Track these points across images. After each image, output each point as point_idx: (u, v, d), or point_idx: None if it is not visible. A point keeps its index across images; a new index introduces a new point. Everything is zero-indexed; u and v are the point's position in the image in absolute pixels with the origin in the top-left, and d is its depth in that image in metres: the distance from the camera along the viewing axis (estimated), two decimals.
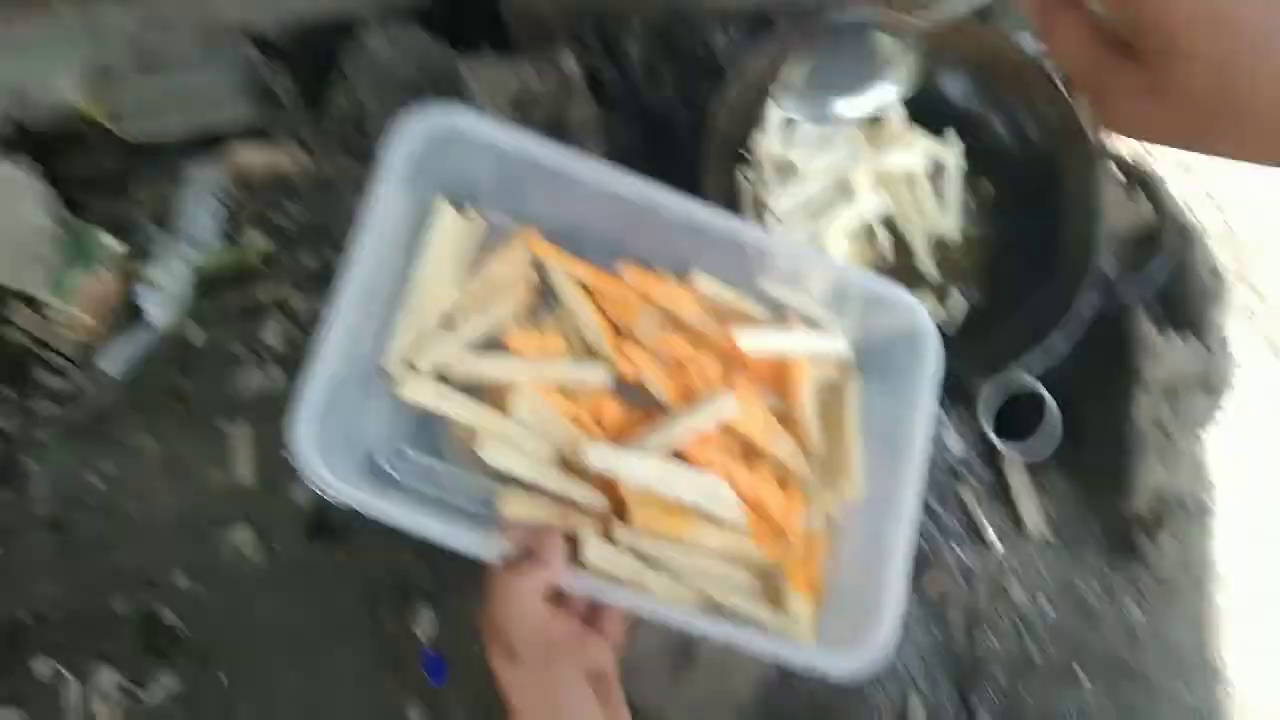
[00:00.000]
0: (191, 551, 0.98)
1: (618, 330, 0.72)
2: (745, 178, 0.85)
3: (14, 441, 1.01)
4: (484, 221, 0.71)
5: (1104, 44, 0.28)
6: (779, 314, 0.73)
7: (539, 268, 0.71)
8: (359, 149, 1.01)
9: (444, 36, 0.99)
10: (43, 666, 0.95)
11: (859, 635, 0.61)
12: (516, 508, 0.65)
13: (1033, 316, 0.82)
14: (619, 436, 0.70)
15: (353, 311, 0.58)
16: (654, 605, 0.59)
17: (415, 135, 0.60)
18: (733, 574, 0.67)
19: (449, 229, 0.69)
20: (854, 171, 0.82)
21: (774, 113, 0.85)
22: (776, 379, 0.73)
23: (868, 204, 0.83)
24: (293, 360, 1.02)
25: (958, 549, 1.00)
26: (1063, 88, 0.83)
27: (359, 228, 0.58)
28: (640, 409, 0.71)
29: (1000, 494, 1.02)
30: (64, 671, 0.95)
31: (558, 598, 0.56)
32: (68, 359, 1.03)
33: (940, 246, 0.87)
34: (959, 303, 0.86)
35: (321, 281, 1.03)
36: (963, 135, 0.88)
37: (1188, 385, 0.95)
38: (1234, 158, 0.28)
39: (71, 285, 1.02)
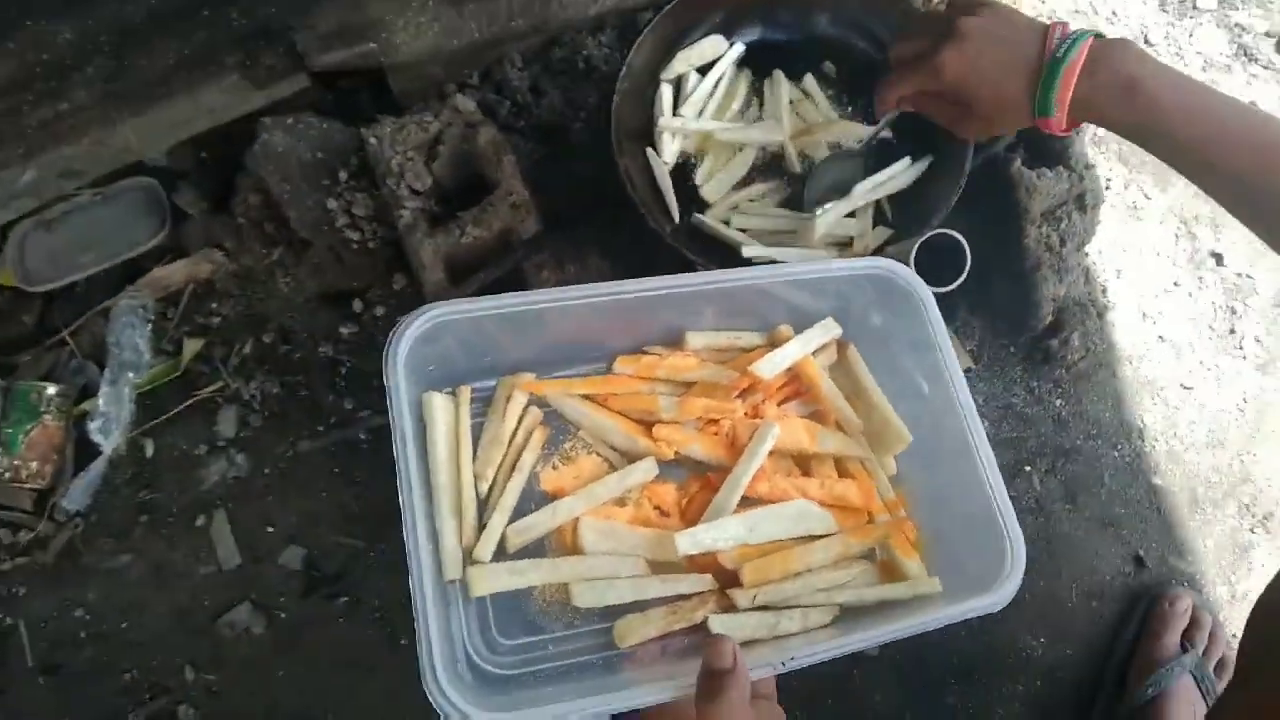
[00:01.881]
0: (196, 645, 0.97)
1: (640, 421, 0.74)
2: (655, 151, 0.99)
3: None
4: (472, 393, 0.75)
5: (949, 102, 0.83)
6: (769, 329, 0.78)
7: (541, 402, 0.75)
8: (275, 236, 1.09)
9: (338, 119, 1.07)
10: None
11: (989, 563, 0.66)
12: (636, 633, 0.65)
13: (937, 191, 0.97)
14: (687, 513, 0.72)
15: (421, 540, 0.60)
16: (808, 652, 0.60)
17: (402, 346, 0.65)
18: (850, 575, 0.69)
19: (443, 418, 0.71)
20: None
21: (665, 92, 1.01)
22: (792, 386, 0.77)
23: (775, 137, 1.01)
24: (251, 441, 1.05)
25: None
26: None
27: (398, 469, 0.62)
28: (692, 477, 0.74)
29: None
30: None
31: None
32: (26, 511, 1.04)
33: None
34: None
35: (259, 363, 1.08)
36: (838, 63, 1.06)
37: (1065, 208, 1.08)
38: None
39: (18, 443, 1.04)
